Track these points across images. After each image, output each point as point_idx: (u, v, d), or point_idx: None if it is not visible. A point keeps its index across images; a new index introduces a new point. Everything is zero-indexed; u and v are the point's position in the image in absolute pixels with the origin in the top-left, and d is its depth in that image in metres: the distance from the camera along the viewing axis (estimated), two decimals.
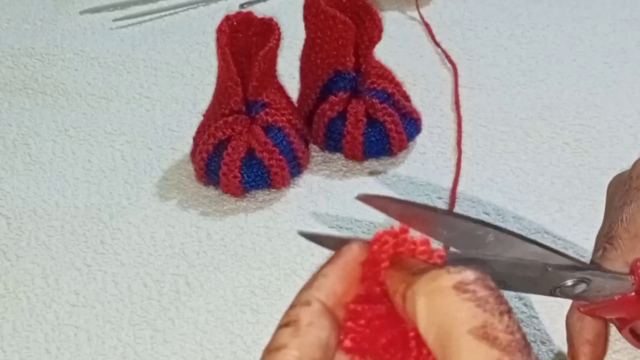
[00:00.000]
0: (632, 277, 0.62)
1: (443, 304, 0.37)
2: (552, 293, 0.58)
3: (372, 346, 0.40)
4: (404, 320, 0.40)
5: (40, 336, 0.81)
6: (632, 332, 0.69)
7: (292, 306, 0.41)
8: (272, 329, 0.81)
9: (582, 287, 0.59)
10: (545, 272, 0.56)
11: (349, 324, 0.41)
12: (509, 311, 0.36)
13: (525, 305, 0.80)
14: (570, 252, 0.85)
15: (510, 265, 0.54)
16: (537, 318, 0.78)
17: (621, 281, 0.62)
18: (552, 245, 0.62)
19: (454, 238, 0.52)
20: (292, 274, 0.86)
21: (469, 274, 0.37)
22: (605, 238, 0.65)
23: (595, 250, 0.67)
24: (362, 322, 0.41)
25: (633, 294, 0.62)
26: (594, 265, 0.64)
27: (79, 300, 0.85)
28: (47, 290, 0.86)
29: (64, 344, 0.80)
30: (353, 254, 0.42)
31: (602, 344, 0.67)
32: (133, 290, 0.85)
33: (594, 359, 0.67)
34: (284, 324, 0.40)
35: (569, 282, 0.58)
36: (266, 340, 0.82)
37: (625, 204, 0.66)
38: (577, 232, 0.88)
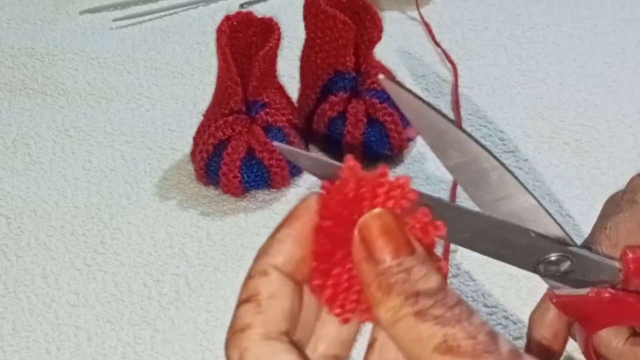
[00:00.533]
0: (620, 262, 0.61)
1: (405, 334, 0.37)
2: (535, 269, 0.57)
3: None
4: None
5: (40, 336, 0.81)
6: (596, 353, 0.68)
7: (250, 277, 0.40)
8: None
9: (567, 264, 0.57)
10: (527, 238, 0.54)
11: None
12: (468, 314, 0.37)
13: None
14: None
15: (492, 224, 0.52)
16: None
17: (608, 266, 0.60)
18: None
19: (461, 164, 0.49)
20: None
21: (425, 297, 0.37)
22: (586, 243, 0.65)
23: None
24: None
25: (607, 295, 0.61)
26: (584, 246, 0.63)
27: (79, 300, 0.85)
28: (47, 290, 0.86)
29: (64, 343, 0.80)
30: (310, 212, 0.40)
31: (558, 343, 0.66)
32: (133, 290, 0.85)
33: (547, 357, 0.66)
34: (244, 300, 0.39)
35: (553, 257, 0.56)
36: None
37: (614, 213, 0.66)
38: (577, 233, 0.88)
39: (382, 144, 0.99)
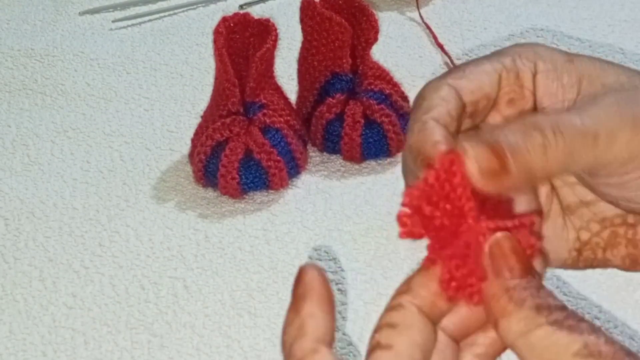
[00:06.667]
0: None
1: (541, 341, 0.38)
2: None
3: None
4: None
5: (36, 339, 0.81)
6: None
7: (385, 310, 0.41)
8: (269, 332, 0.81)
9: None
10: None
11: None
12: (598, 327, 0.38)
13: None
14: None
15: None
16: None
17: None
18: None
19: None
20: (290, 277, 0.85)
21: (557, 310, 0.38)
22: None
23: None
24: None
25: None
26: None
27: (76, 302, 0.85)
28: (44, 293, 0.86)
29: (61, 346, 0.80)
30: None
31: None
32: (130, 293, 0.85)
33: None
34: (377, 328, 0.41)
35: None
36: (263, 344, 0.83)
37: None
38: None
39: (380, 145, 0.99)
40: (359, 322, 0.81)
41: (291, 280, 0.87)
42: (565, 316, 0.38)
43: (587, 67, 0.46)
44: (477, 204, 0.40)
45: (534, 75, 0.46)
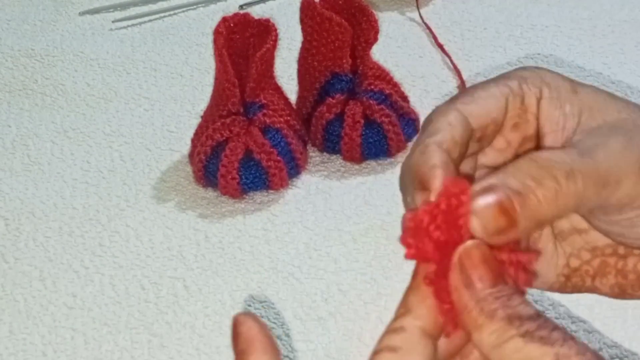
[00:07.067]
0: None
1: (513, 354, 0.38)
2: None
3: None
4: None
5: (36, 339, 0.81)
6: None
7: (387, 332, 0.41)
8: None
9: None
10: None
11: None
12: (570, 336, 0.38)
13: None
14: None
15: None
16: None
17: None
18: None
19: None
20: (290, 277, 0.86)
21: (528, 321, 0.38)
22: None
23: None
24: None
25: None
26: None
27: (76, 302, 0.85)
28: (44, 293, 0.86)
29: (61, 346, 0.80)
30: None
31: None
32: (130, 293, 0.85)
33: None
34: (377, 351, 0.40)
35: None
36: None
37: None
38: None
39: (380, 145, 0.99)
40: (358, 322, 0.81)
41: (290, 280, 0.87)
42: (537, 326, 0.38)
43: (590, 100, 0.46)
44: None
45: (539, 100, 0.46)
